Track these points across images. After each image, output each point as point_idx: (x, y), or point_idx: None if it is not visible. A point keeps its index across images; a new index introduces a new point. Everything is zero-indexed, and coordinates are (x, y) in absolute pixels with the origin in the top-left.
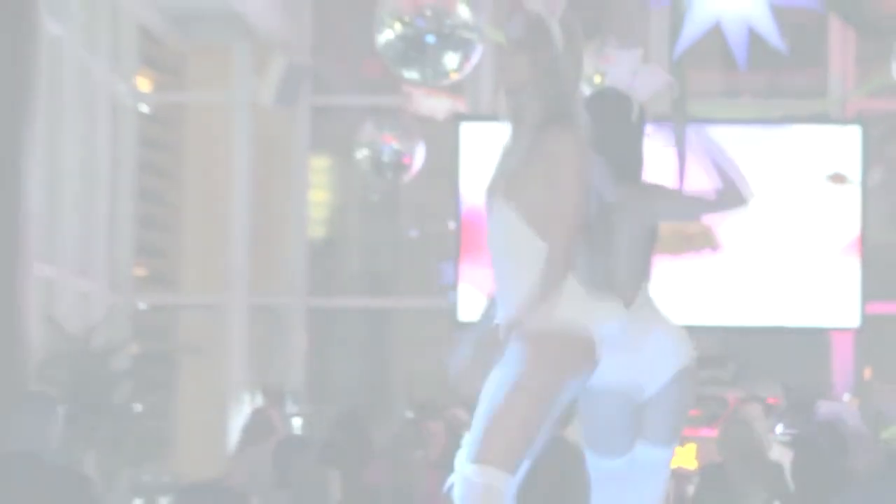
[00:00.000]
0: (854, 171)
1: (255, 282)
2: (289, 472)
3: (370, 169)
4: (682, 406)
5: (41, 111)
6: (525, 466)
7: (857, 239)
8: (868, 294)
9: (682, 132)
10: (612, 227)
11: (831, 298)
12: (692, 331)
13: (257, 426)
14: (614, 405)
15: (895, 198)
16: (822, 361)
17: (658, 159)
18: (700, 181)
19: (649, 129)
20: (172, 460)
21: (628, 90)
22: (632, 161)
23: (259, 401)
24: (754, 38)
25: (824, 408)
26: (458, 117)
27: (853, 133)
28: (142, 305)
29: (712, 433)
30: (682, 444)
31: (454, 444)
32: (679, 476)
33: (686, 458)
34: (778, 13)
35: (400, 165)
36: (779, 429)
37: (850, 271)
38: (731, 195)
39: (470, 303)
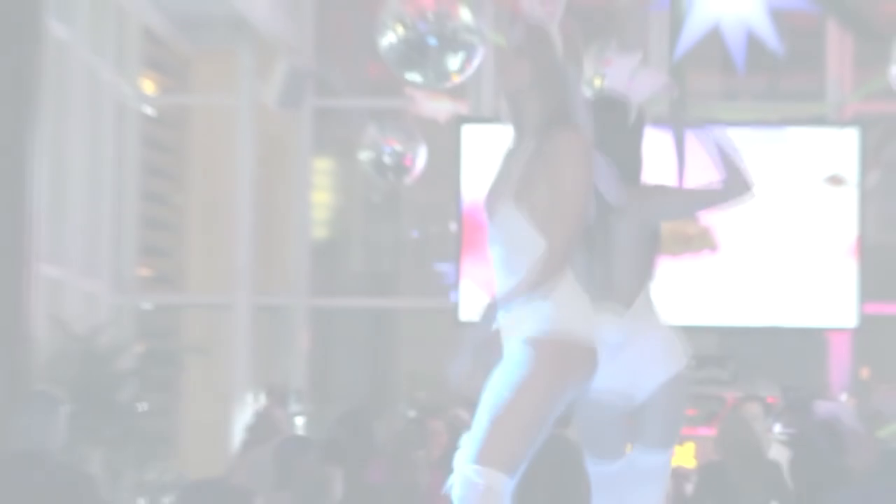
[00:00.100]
0: (851, 172)
1: (259, 282)
2: (290, 471)
3: (372, 170)
4: (676, 411)
5: (47, 113)
6: (523, 467)
7: (854, 240)
8: (865, 294)
9: (681, 134)
10: (611, 229)
11: (829, 299)
12: (690, 331)
13: (261, 426)
14: (605, 410)
15: (892, 199)
16: (819, 361)
17: (658, 160)
18: (701, 178)
19: (648, 131)
20: (177, 459)
21: (626, 93)
22: (631, 163)
23: (262, 400)
24: (753, 41)
25: (822, 407)
26: (459, 119)
27: (851, 135)
28: (146, 305)
29: (711, 432)
30: (680, 443)
31: (455, 444)
32: (678, 475)
33: (685, 456)
34: (776, 16)
35: (402, 167)
36: (777, 428)
37: (848, 272)
38: (736, 183)
39: (471, 303)
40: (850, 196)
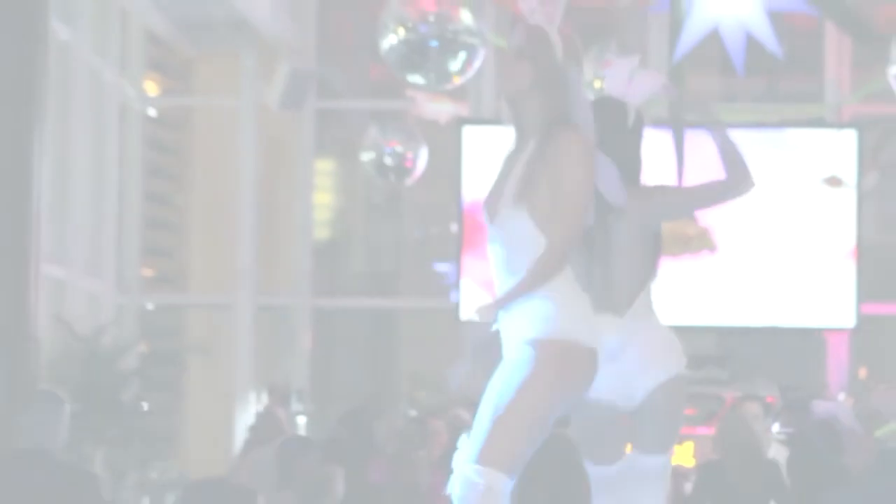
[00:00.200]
0: (850, 174)
1: (261, 282)
2: (292, 471)
3: (374, 172)
4: (674, 414)
5: (50, 114)
6: (522, 467)
7: (852, 241)
8: (863, 295)
9: (680, 135)
10: (612, 229)
11: (827, 299)
12: (690, 331)
13: (265, 426)
14: (603, 411)
15: (890, 200)
16: (817, 361)
17: (658, 162)
18: (700, 178)
19: (648, 132)
20: (179, 458)
21: (624, 97)
22: (631, 165)
23: (264, 399)
24: (752, 43)
25: (820, 407)
26: (460, 121)
27: (849, 137)
28: (149, 306)
29: (710, 431)
30: (679, 442)
31: (456, 444)
32: (677, 474)
33: (684, 455)
34: (775, 18)
35: (403, 168)
36: (775, 427)
37: (846, 273)
38: (738, 176)
39: (471, 303)
40: (848, 197)
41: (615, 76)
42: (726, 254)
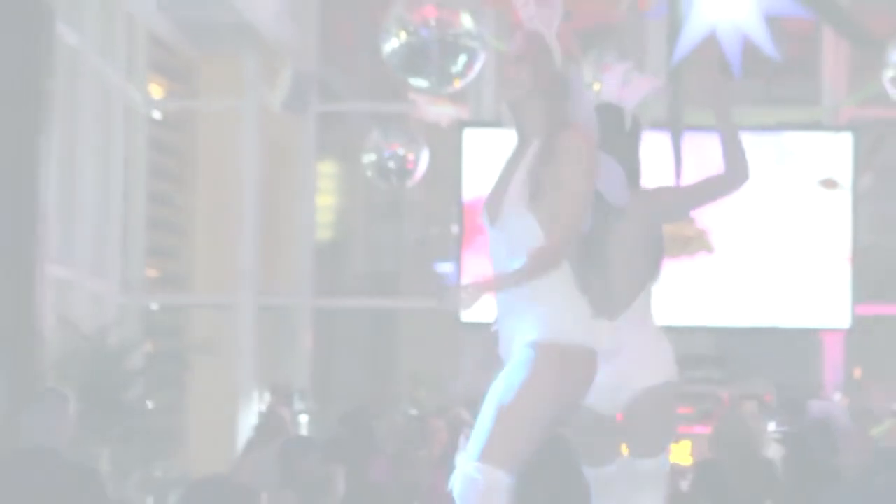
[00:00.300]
0: (845, 176)
1: (263, 283)
2: (294, 470)
3: (375, 174)
4: (661, 420)
5: (56, 117)
6: (523, 466)
7: (847, 242)
8: (858, 296)
9: (678, 137)
10: (612, 231)
11: (823, 300)
12: (688, 331)
13: (270, 425)
14: (595, 413)
15: (885, 202)
16: (813, 361)
17: (656, 164)
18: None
19: (645, 136)
20: (183, 456)
21: (619, 101)
22: (629, 168)
23: (267, 399)
24: (749, 46)
25: (815, 406)
26: (461, 123)
27: (845, 140)
28: (153, 305)
29: (707, 430)
30: (676, 441)
31: (456, 442)
32: (673, 472)
33: (681, 454)
34: (772, 23)
35: (404, 170)
36: (771, 427)
37: (841, 273)
38: (737, 170)
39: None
40: (843, 199)
41: (609, 83)
42: (724, 255)
